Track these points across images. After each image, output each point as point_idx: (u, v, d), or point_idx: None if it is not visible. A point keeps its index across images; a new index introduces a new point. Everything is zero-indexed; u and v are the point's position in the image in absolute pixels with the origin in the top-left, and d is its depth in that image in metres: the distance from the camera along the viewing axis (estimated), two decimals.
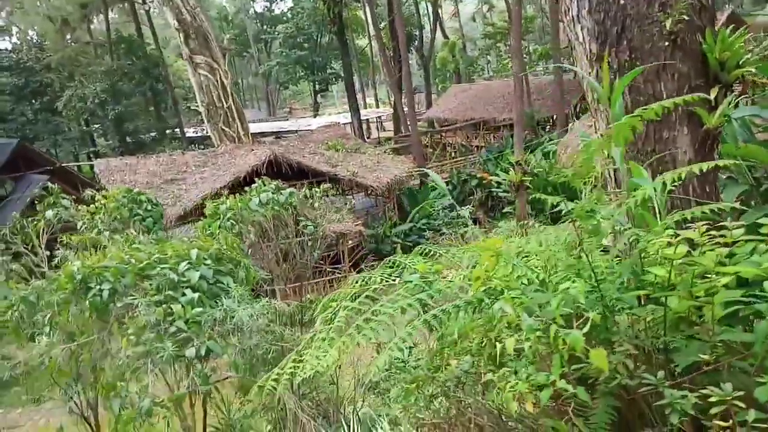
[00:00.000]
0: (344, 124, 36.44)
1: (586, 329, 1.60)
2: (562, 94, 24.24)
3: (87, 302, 3.82)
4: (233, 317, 3.56)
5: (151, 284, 3.90)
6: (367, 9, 50.69)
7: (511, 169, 20.09)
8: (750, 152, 4.16)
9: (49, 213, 6.08)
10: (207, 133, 39.92)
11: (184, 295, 3.81)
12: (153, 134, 39.29)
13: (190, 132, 41.54)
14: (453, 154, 31.87)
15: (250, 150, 22.34)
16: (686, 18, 4.10)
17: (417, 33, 47.55)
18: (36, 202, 26.52)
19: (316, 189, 8.25)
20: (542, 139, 26.18)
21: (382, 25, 39.15)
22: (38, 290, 4.22)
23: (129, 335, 3.52)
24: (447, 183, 26.93)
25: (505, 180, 22.54)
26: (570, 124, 17.52)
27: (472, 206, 21.99)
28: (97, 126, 41.79)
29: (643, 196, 2.15)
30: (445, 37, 50.64)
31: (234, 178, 19.58)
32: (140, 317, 3.57)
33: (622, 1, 4.20)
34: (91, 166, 39.36)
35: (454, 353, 2.15)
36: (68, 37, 38.46)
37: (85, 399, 4.78)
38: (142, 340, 3.48)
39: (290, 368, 2.00)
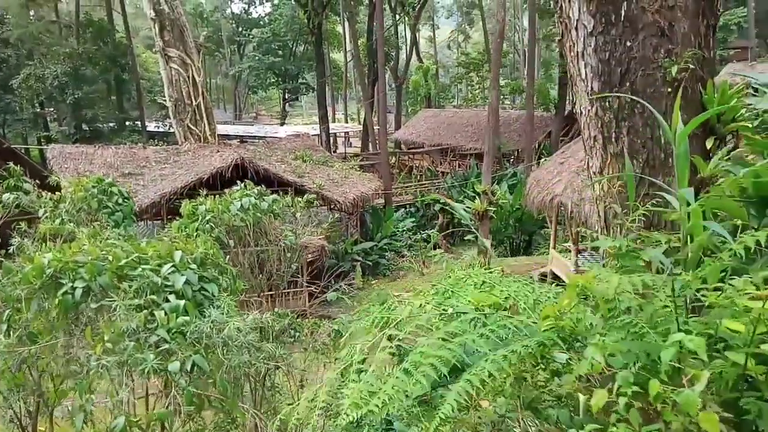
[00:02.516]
0: (312, 135, 36.14)
1: (700, 387, 1.42)
2: (532, 129, 24.86)
3: (56, 300, 3.43)
4: (221, 330, 3.27)
5: (130, 286, 3.54)
6: (347, 24, 50.94)
7: (477, 197, 20.36)
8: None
9: (7, 196, 5.55)
10: (170, 128, 38.79)
11: (167, 300, 3.47)
12: (112, 124, 37.76)
13: (151, 126, 40.18)
14: (419, 177, 32.06)
15: (215, 151, 21.73)
16: (691, 67, 4.19)
17: (394, 53, 48.05)
18: None
19: (299, 199, 7.95)
20: (507, 171, 26.71)
21: (360, 41, 39.33)
22: None
23: (104, 342, 3.15)
24: (411, 205, 27.00)
25: (469, 208, 22.82)
26: (542, 159, 17.88)
27: (437, 230, 22.05)
28: (52, 110, 39.83)
29: (701, 242, 2.06)
30: (420, 61, 51.40)
31: (197, 179, 18.93)
32: (118, 322, 3.21)
33: (628, 43, 4.24)
34: (41, 151, 37.43)
35: (483, 393, 1.97)
36: (32, 13, 36.72)
37: (25, 407, 4.32)
38: (120, 348, 3.12)
39: (325, 404, 1.75)
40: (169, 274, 3.66)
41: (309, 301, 16.13)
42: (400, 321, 1.72)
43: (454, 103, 61.24)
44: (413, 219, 24.47)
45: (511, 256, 20.13)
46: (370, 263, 21.02)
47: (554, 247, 14.22)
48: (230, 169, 18.97)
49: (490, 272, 2.49)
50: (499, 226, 20.77)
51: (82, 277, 3.51)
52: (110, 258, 3.73)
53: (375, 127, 34.88)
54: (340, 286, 16.73)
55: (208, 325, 3.24)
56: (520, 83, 38.63)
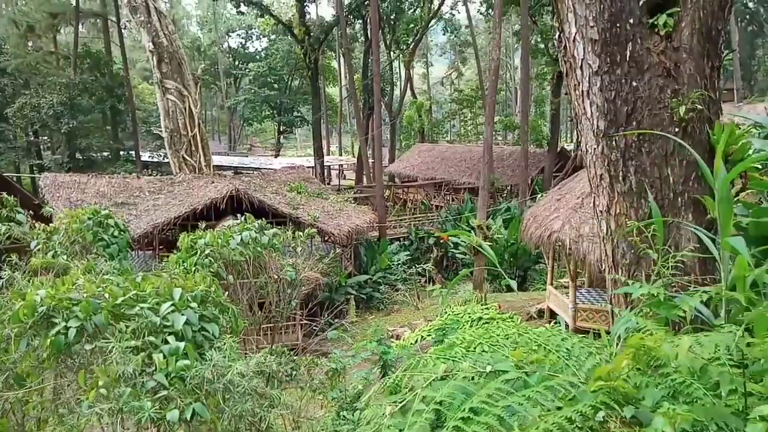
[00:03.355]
0: (307, 167, 36.25)
1: None
2: (526, 165, 25.05)
3: (47, 340, 3.22)
4: (223, 375, 3.07)
5: (127, 326, 3.34)
6: (342, 60, 51.80)
7: (472, 232, 20.32)
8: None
9: None
10: (164, 159, 38.76)
11: (165, 342, 3.27)
12: (106, 154, 37.66)
13: (145, 156, 40.14)
14: (413, 211, 32.07)
15: (210, 182, 21.62)
16: (698, 107, 4.17)
17: (388, 89, 48.79)
18: None
19: (300, 233, 7.82)
20: (501, 206, 26.79)
21: (355, 77, 39.93)
22: None
23: (98, 387, 2.95)
24: (405, 238, 26.89)
25: (464, 242, 22.74)
26: (540, 195, 17.93)
27: (432, 265, 21.88)
28: (45, 138, 39.75)
29: (748, 295, 1.94)
30: (414, 96, 52.18)
31: (191, 209, 18.77)
32: (114, 366, 3.01)
33: (634, 83, 4.22)
34: (33, 179, 37.15)
35: None
36: (30, 44, 37.00)
37: None
38: (115, 394, 2.91)
39: None
40: (168, 313, 3.48)
41: (303, 336, 15.80)
42: (434, 380, 1.55)
43: (447, 138, 61.98)
44: (407, 252, 24.33)
45: (507, 292, 19.93)
46: (364, 297, 20.75)
47: (551, 284, 14.09)
48: (225, 200, 18.84)
49: (512, 321, 2.31)
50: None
51: (76, 316, 3.31)
52: (107, 295, 3.55)
53: (370, 161, 35.09)
54: (335, 321, 16.45)
55: (209, 370, 3.05)
56: (512, 120, 39.24)
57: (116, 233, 6.27)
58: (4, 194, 6.07)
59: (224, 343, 3.47)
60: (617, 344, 2.22)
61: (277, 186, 23.30)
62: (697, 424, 1.38)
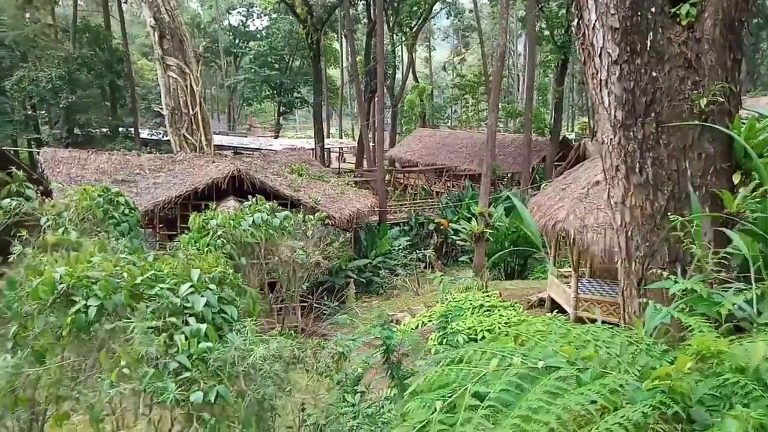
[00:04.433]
0: (307, 149, 36.04)
1: None
2: (529, 153, 24.96)
3: (68, 318, 3.18)
4: (244, 358, 3.04)
5: (147, 306, 3.30)
6: (344, 42, 51.27)
7: (474, 219, 20.29)
8: None
9: (6, 202, 5.29)
10: (163, 136, 38.47)
11: (186, 323, 3.23)
12: (105, 130, 37.29)
13: (144, 133, 39.81)
14: (413, 196, 32.00)
15: (211, 161, 21.48)
16: (719, 100, 4.11)
17: (390, 73, 48.36)
18: None
19: (311, 216, 7.75)
20: (502, 194, 26.77)
21: (357, 59, 39.54)
22: None
23: (121, 367, 2.92)
24: (405, 224, 26.87)
25: (465, 229, 22.74)
26: (544, 183, 17.88)
27: (432, 250, 21.89)
28: (43, 113, 39.31)
29: None
30: (416, 80, 51.78)
31: (192, 189, 18.67)
32: (136, 346, 2.98)
33: (654, 74, 4.15)
34: (30, 154, 36.83)
35: None
36: (28, 15, 36.39)
37: (18, 425, 4.04)
38: (138, 374, 2.89)
39: None
40: (188, 294, 3.44)
41: (303, 317, 15.83)
42: (485, 375, 1.50)
43: (449, 123, 61.67)
44: (407, 238, 24.32)
45: (506, 280, 19.99)
46: (364, 281, 20.78)
47: (553, 273, 14.11)
48: (226, 180, 18.73)
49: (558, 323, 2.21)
50: (495, 249, 20.67)
51: (96, 295, 3.27)
52: (125, 275, 3.51)
53: (371, 144, 34.91)
54: (336, 304, 16.46)
55: (231, 352, 3.03)
56: (515, 107, 39.02)
57: (126, 211, 6.21)
58: (14, 169, 5.99)
59: (243, 326, 3.45)
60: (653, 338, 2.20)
61: (279, 167, 23.17)
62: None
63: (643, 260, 4.64)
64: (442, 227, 25.31)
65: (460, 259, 24.29)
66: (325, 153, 43.98)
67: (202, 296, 3.47)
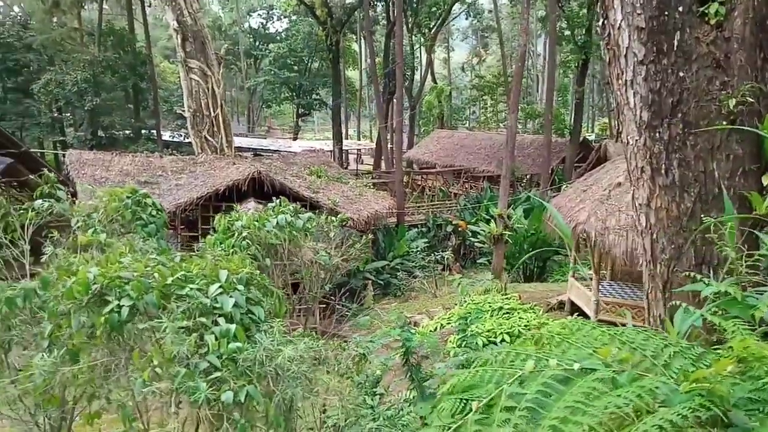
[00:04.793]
0: (326, 151, 36.25)
1: None
2: (549, 155, 24.77)
3: (101, 318, 3.27)
4: (273, 359, 3.09)
5: (178, 306, 3.37)
6: (363, 43, 51.43)
7: (493, 221, 20.18)
8: None
9: (39, 203, 5.44)
10: (185, 138, 39.02)
11: (215, 324, 3.29)
12: (128, 132, 37.98)
13: (166, 135, 40.43)
14: (431, 198, 31.95)
15: (231, 163, 21.73)
16: (749, 100, 4.04)
17: (409, 74, 48.36)
18: None
19: (333, 218, 7.82)
20: (521, 195, 26.57)
21: (377, 59, 39.63)
22: (28, 292, 3.64)
23: (154, 366, 2.99)
24: (423, 225, 26.84)
25: (483, 231, 22.61)
26: (564, 185, 17.73)
27: (450, 252, 21.83)
28: (68, 115, 40.18)
29: None
30: (434, 81, 51.69)
31: (213, 190, 18.92)
32: (169, 345, 3.04)
33: (681, 74, 4.09)
34: (56, 155, 37.67)
35: None
36: (55, 20, 37.24)
37: (49, 423, 4.15)
38: (170, 374, 2.95)
39: None
40: (217, 295, 3.50)
41: (321, 318, 15.92)
42: (521, 377, 1.51)
43: (467, 124, 61.44)
44: (425, 239, 24.28)
45: (525, 282, 19.85)
46: (382, 282, 20.81)
47: (573, 275, 13.98)
48: (246, 182, 18.94)
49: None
50: (514, 251, 20.54)
51: (128, 295, 3.35)
52: (155, 275, 3.59)
53: (389, 146, 34.96)
54: (354, 306, 16.53)
55: (260, 352, 3.07)
56: (534, 108, 38.71)
57: (153, 212, 6.34)
58: (45, 171, 6.16)
59: (271, 327, 3.49)
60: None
61: (298, 169, 23.34)
62: None
63: (669, 263, 4.58)
64: (460, 229, 25.23)
65: (478, 261, 24.19)
66: (343, 154, 44.14)
67: (231, 297, 3.53)
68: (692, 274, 4.47)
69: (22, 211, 5.16)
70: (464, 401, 1.58)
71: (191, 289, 3.51)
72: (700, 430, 1.45)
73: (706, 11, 4.01)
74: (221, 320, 3.36)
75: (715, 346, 1.99)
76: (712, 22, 4.04)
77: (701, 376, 1.40)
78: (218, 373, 3.00)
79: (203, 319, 3.32)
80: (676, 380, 1.47)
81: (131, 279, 3.46)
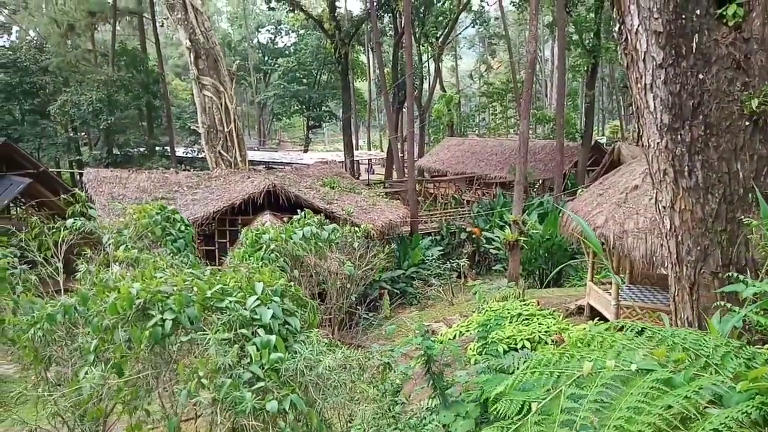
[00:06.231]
0: (338, 162, 36.46)
1: None
2: (561, 159, 24.73)
3: (146, 332, 3.36)
4: (312, 368, 3.16)
5: (219, 318, 3.46)
6: (371, 54, 51.82)
7: (508, 227, 20.13)
8: None
9: (70, 222, 5.59)
10: (198, 154, 39.51)
11: (255, 335, 3.38)
12: (142, 149, 38.55)
13: (179, 151, 40.97)
14: (444, 206, 31.96)
15: (246, 177, 21.95)
16: None
17: (417, 83, 48.59)
18: (13, 204, 25.38)
19: (356, 228, 7.92)
20: (535, 201, 26.49)
21: (385, 70, 39.89)
22: (68, 308, 3.75)
23: (199, 378, 3.07)
24: (436, 233, 26.83)
25: (498, 237, 22.54)
26: (579, 189, 17.69)
27: (466, 259, 21.78)
28: (83, 134, 40.88)
29: None
30: (443, 90, 51.85)
31: (228, 204, 19.12)
32: (214, 357, 3.12)
33: (700, 76, 4.11)
34: (72, 174, 38.30)
35: None
36: (70, 42, 38.03)
37: None
38: (215, 385, 3.02)
39: None
40: (255, 306, 3.59)
41: (339, 329, 15.96)
42: (579, 377, 1.55)
43: (477, 131, 61.48)
44: (440, 247, 24.27)
45: (542, 288, 19.74)
46: (398, 291, 20.80)
47: (592, 280, 13.90)
48: (262, 195, 19.11)
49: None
50: (530, 257, 20.44)
51: (170, 309, 3.45)
52: (195, 289, 3.68)
53: (400, 155, 35.08)
54: (370, 315, 16.54)
55: (301, 362, 3.14)
56: (545, 113, 38.68)
57: (182, 228, 6.48)
58: (77, 190, 6.32)
59: (307, 337, 3.56)
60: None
61: (311, 181, 23.51)
62: None
63: (695, 265, 4.58)
64: (474, 236, 25.19)
65: (493, 268, 24.11)
66: (355, 165, 44.38)
67: (269, 308, 3.61)
68: (720, 275, 4.49)
69: (55, 230, 5.32)
70: (520, 402, 1.63)
71: (230, 301, 3.61)
72: (752, 429, 1.49)
73: (724, 13, 4.05)
74: (261, 331, 3.44)
75: (758, 346, 2.02)
76: (731, 23, 4.07)
77: (760, 375, 1.44)
78: (261, 383, 3.08)
79: (244, 331, 3.40)
80: (732, 379, 1.50)
81: (172, 293, 3.55)
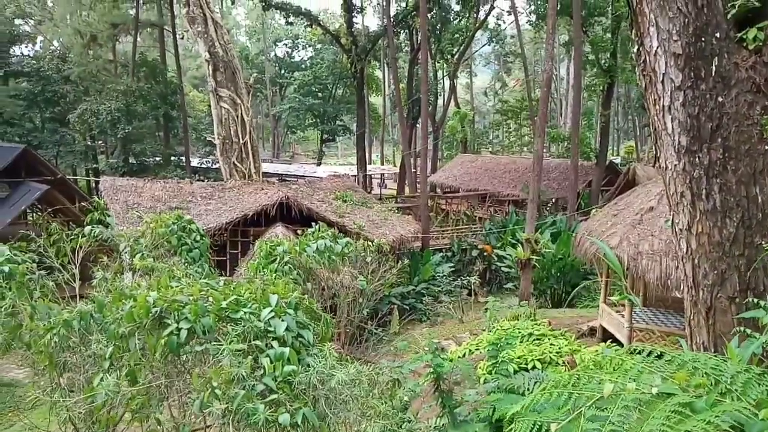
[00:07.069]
0: (351, 176, 36.65)
1: None
2: (576, 179, 24.62)
3: (162, 340, 3.39)
4: (324, 382, 3.15)
5: (234, 329, 3.48)
6: (387, 70, 52.23)
7: (520, 245, 20.01)
8: None
9: (88, 229, 5.67)
10: (212, 165, 39.90)
11: (269, 347, 3.38)
12: (158, 159, 39.05)
13: (194, 162, 41.43)
14: (456, 222, 31.88)
15: (259, 189, 22.11)
16: None
17: (432, 99, 48.85)
18: (30, 210, 25.76)
19: (370, 243, 7.92)
20: (547, 219, 26.33)
21: (400, 86, 40.18)
22: (84, 315, 3.79)
23: (213, 388, 3.07)
24: (447, 249, 26.71)
25: (510, 255, 22.40)
26: (593, 209, 17.58)
27: (477, 277, 21.64)
28: (101, 143, 41.56)
29: None
30: (457, 106, 52.05)
31: (241, 215, 19.25)
32: (227, 367, 3.13)
33: (720, 99, 4.09)
34: (88, 182, 38.86)
35: None
36: (91, 53, 38.85)
37: None
38: (228, 396, 3.02)
39: None
40: (269, 319, 3.60)
41: (348, 344, 15.89)
42: (600, 399, 1.53)
43: (490, 149, 61.53)
44: (450, 264, 24.13)
45: (553, 308, 19.53)
46: (407, 307, 20.68)
47: (605, 301, 13.73)
48: (275, 207, 19.23)
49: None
50: (541, 276, 20.27)
51: (186, 318, 3.47)
52: (210, 299, 3.71)
53: (413, 170, 35.16)
54: (379, 330, 16.45)
55: (314, 375, 3.14)
56: (559, 132, 38.63)
57: (197, 238, 6.54)
58: (96, 198, 6.42)
59: (320, 350, 3.56)
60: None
61: (324, 194, 23.61)
62: None
63: (712, 289, 4.52)
64: (485, 254, 25.05)
65: (504, 286, 23.92)
66: (367, 179, 44.55)
67: (283, 321, 3.62)
68: (737, 300, 4.42)
69: (73, 237, 5.39)
70: (537, 424, 1.62)
71: (245, 312, 3.62)
72: None
73: (744, 36, 4.04)
74: (275, 343, 3.44)
75: None
76: (751, 47, 4.06)
77: None
78: (274, 395, 3.07)
79: (258, 342, 3.41)
80: (754, 407, 1.48)
81: (188, 302, 3.58)
